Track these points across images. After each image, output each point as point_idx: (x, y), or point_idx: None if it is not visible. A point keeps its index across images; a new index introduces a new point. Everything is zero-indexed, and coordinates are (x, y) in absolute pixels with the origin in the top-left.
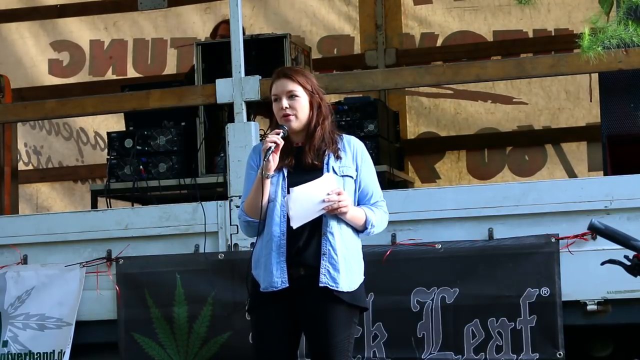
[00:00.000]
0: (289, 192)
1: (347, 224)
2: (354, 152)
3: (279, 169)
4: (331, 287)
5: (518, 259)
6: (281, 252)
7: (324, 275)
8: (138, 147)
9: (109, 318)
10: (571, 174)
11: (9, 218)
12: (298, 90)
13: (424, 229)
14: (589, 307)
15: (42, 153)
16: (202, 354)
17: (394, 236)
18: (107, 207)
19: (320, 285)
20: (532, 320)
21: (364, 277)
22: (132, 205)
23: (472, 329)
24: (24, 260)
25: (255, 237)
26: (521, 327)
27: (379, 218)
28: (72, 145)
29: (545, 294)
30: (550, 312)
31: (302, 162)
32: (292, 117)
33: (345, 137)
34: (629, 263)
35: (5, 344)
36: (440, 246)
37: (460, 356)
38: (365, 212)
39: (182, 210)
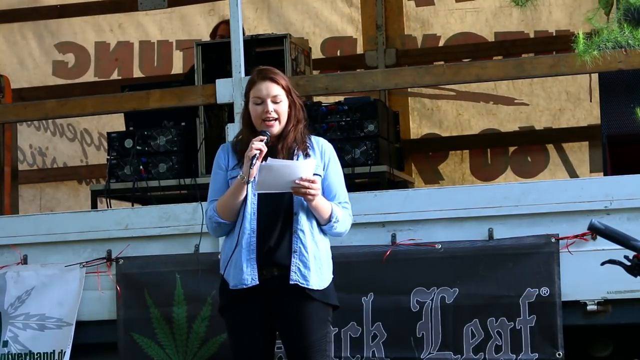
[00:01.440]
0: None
1: (318, 223)
2: (322, 151)
3: None
4: (302, 285)
5: (518, 259)
6: (251, 250)
7: (294, 272)
8: (138, 147)
9: (108, 318)
10: (573, 175)
11: (9, 218)
12: (281, 94)
13: (424, 229)
14: (588, 307)
15: (47, 154)
16: (201, 354)
17: (394, 236)
18: (107, 207)
19: (291, 282)
20: (531, 320)
21: (332, 276)
22: (132, 206)
23: (471, 329)
24: (24, 260)
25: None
26: (520, 327)
27: (343, 214)
28: (77, 147)
29: (545, 294)
30: (549, 312)
31: None
32: (275, 123)
33: (314, 138)
34: (629, 263)
35: (5, 344)
36: (440, 246)
37: (460, 356)
38: (331, 205)
39: (182, 210)
